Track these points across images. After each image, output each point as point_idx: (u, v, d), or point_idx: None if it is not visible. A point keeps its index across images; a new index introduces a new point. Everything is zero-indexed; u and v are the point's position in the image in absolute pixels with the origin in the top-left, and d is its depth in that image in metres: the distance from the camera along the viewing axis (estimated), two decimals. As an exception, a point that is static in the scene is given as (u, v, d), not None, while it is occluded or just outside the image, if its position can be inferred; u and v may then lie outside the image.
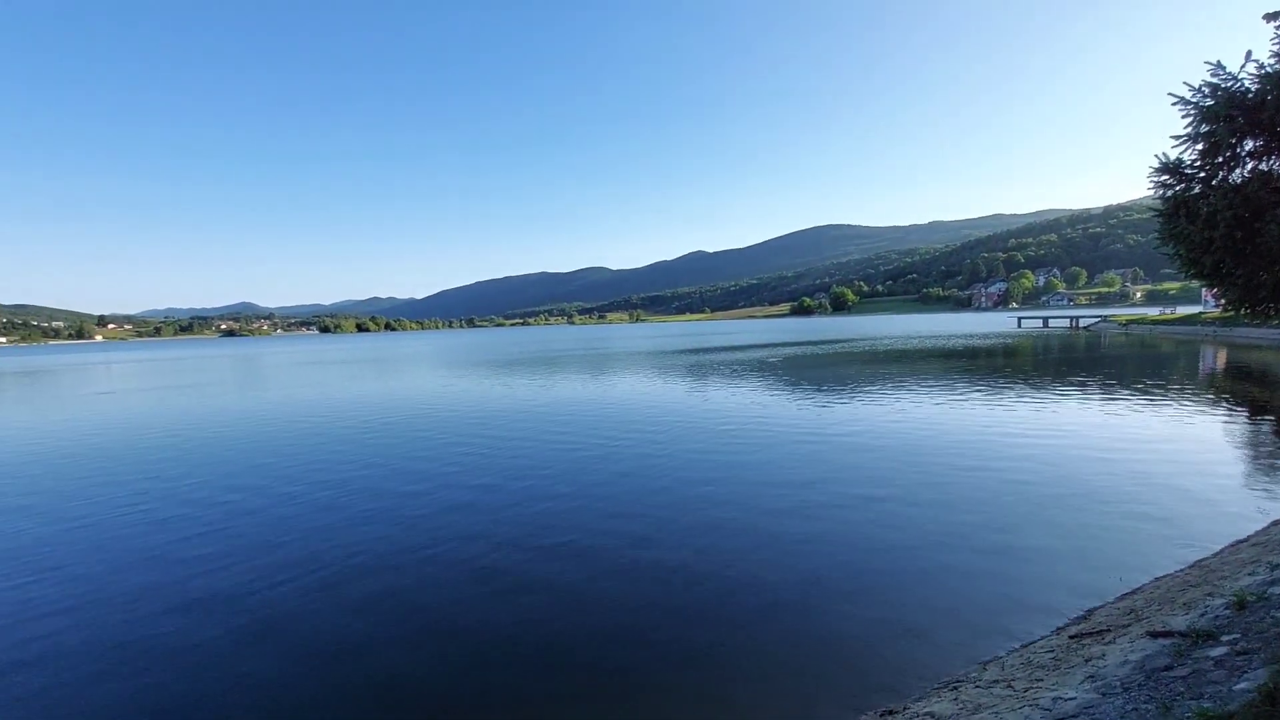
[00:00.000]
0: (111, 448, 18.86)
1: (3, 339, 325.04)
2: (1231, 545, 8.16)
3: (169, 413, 27.30)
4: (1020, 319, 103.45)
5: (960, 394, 23.69)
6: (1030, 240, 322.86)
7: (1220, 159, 4.69)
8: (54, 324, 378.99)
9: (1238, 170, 4.80)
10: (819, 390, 26.92)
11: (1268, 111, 4.36)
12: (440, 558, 9.07)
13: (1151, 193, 5.68)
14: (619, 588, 7.87)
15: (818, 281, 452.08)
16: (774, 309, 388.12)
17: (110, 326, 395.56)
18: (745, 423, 19.08)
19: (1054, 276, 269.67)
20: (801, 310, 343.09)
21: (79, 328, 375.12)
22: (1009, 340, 61.25)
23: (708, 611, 7.17)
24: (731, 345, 69.52)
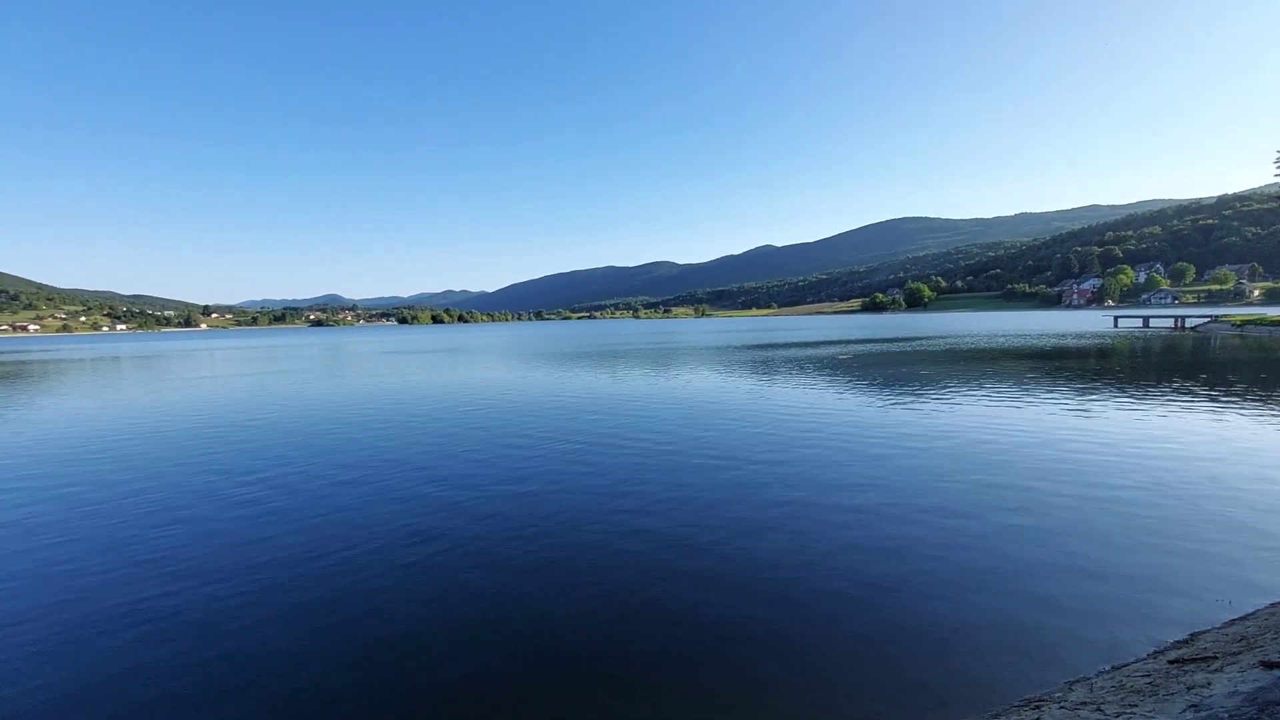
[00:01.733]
0: (213, 428, 20.42)
1: (123, 325, 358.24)
2: (1364, 572, 7.36)
3: (265, 397, 29.25)
4: (1117, 318, 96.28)
5: (1049, 399, 22.33)
6: (1130, 233, 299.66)
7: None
8: (166, 313, 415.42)
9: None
10: (894, 390, 25.99)
11: None
12: (493, 547, 9.35)
13: (1277, 178, 5.12)
14: (677, 587, 7.89)
15: (891, 277, 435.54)
16: (843, 305, 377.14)
17: (214, 316, 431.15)
18: (814, 422, 18.67)
19: (1156, 272, 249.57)
20: (873, 306, 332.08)
21: (187, 316, 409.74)
22: (1104, 341, 57.07)
23: (770, 611, 7.08)
24: (800, 342, 68.07)
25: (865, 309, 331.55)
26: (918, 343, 60.50)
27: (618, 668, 6.09)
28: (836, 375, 32.20)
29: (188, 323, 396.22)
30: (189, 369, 50.36)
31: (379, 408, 24.19)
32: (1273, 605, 6.70)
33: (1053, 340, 59.04)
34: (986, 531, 9.33)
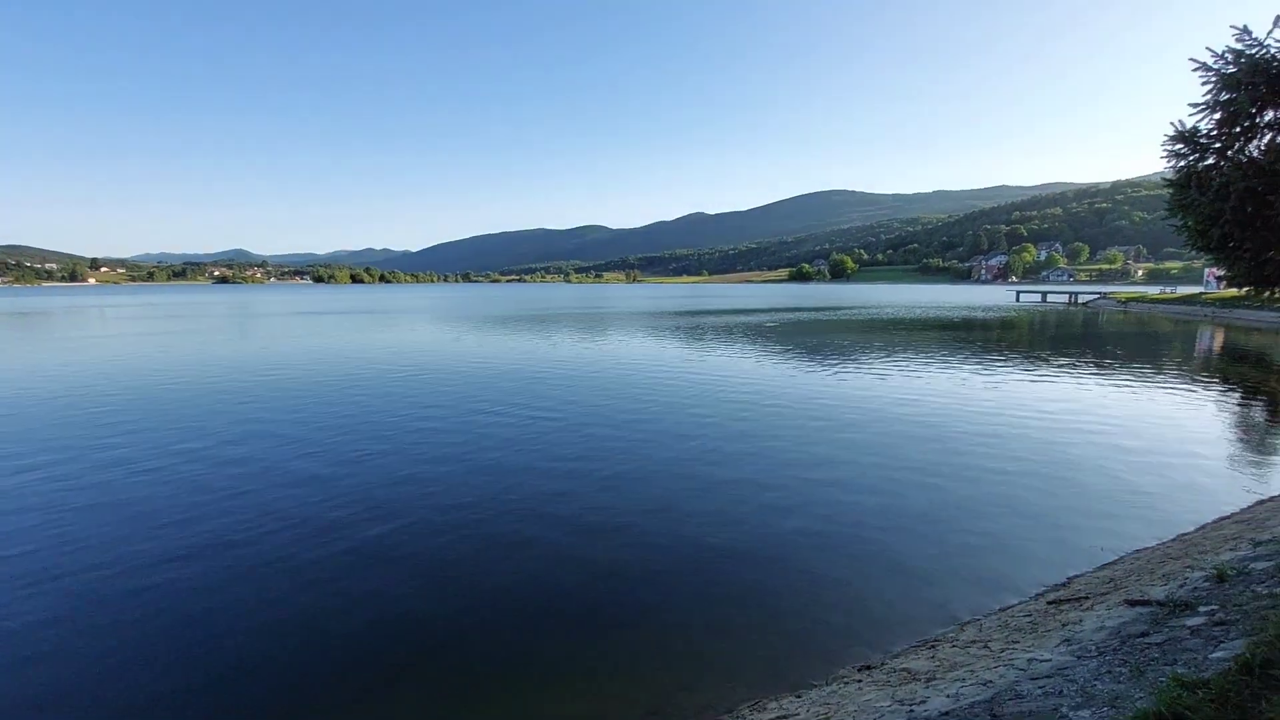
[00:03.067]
0: (108, 393, 18.80)
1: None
2: (1215, 521, 8.29)
3: (165, 360, 27.17)
4: (1019, 293, 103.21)
5: (954, 366, 23.76)
6: (1034, 214, 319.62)
7: (1238, 129, 4.57)
8: (47, 265, 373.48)
9: (1255, 141, 4.70)
10: (814, 357, 26.96)
11: (1293, 80, 4.23)
12: (423, 513, 9.15)
13: (1164, 165, 5.54)
14: (604, 547, 7.97)
15: (817, 248, 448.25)
16: (772, 274, 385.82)
17: (103, 270, 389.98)
18: (738, 388, 19.13)
19: (1056, 251, 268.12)
20: (800, 276, 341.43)
21: (72, 270, 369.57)
22: (1006, 314, 61.19)
23: (693, 570, 7.28)
24: (729, 309, 69.31)
25: (792, 278, 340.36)
26: (841, 312, 62.87)
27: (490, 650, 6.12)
28: (764, 343, 33.05)
29: (73, 277, 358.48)
30: (77, 327, 46.01)
31: (293, 373, 22.93)
32: (1138, 551, 7.46)
33: (962, 312, 62.78)
34: (893, 490, 9.89)
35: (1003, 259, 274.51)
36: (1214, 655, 3.56)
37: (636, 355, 27.22)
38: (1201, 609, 4.36)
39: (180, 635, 5.99)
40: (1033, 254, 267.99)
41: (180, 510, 9.06)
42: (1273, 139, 4.60)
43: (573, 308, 73.73)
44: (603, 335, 37.40)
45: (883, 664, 5.26)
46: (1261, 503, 8.87)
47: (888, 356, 26.53)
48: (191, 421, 14.50)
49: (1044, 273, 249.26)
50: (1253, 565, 5.09)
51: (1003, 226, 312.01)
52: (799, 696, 4.92)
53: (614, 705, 5.06)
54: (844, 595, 6.64)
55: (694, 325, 44.86)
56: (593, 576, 7.10)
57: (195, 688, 5.27)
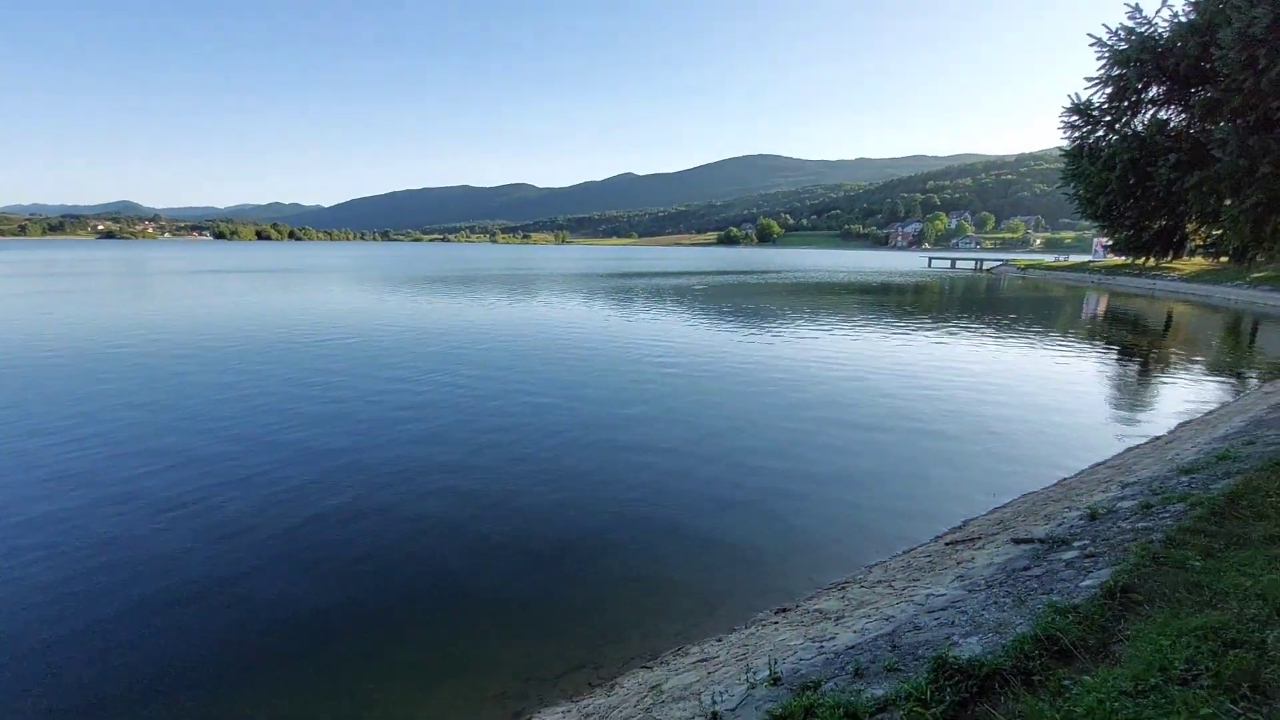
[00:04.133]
0: (-32, 354, 16.93)
1: None
2: (1091, 467, 9.17)
3: (46, 325, 24.68)
4: (931, 259, 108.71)
5: (872, 330, 24.90)
6: (947, 183, 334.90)
7: (1126, 103, 4.92)
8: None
9: (1140, 115, 5.07)
10: (741, 321, 27.56)
11: (1173, 59, 4.57)
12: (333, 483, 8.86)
13: (1061, 137, 5.89)
14: (531, 514, 8.00)
15: (745, 212, 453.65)
16: (701, 237, 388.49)
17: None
18: (665, 352, 19.35)
19: (965, 220, 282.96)
20: (729, 240, 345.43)
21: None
22: (919, 279, 64.43)
23: (620, 530, 7.43)
24: (659, 271, 69.49)
25: (721, 242, 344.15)
26: (769, 276, 64.34)
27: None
28: (693, 307, 33.44)
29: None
30: (-73, 283, 40.93)
31: (185, 338, 21.35)
32: (1026, 495, 8.17)
33: (881, 278, 65.61)
34: (811, 447, 10.38)
35: (918, 226, 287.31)
36: (1084, 584, 3.98)
37: (566, 319, 26.98)
38: (1075, 544, 4.84)
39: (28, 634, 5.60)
40: (944, 222, 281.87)
41: (42, 498, 8.36)
42: (1155, 113, 5.00)
43: (501, 269, 71.88)
44: (532, 298, 36.77)
45: (798, 606, 5.57)
46: (1130, 450, 9.87)
47: (812, 320, 27.47)
48: (69, 396, 13.30)
49: (954, 240, 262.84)
50: (1120, 504, 5.68)
51: (918, 195, 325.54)
52: (720, 640, 5.16)
53: (544, 661, 5.14)
54: (763, 546, 6.96)
55: (624, 288, 44.77)
56: (521, 541, 7.12)
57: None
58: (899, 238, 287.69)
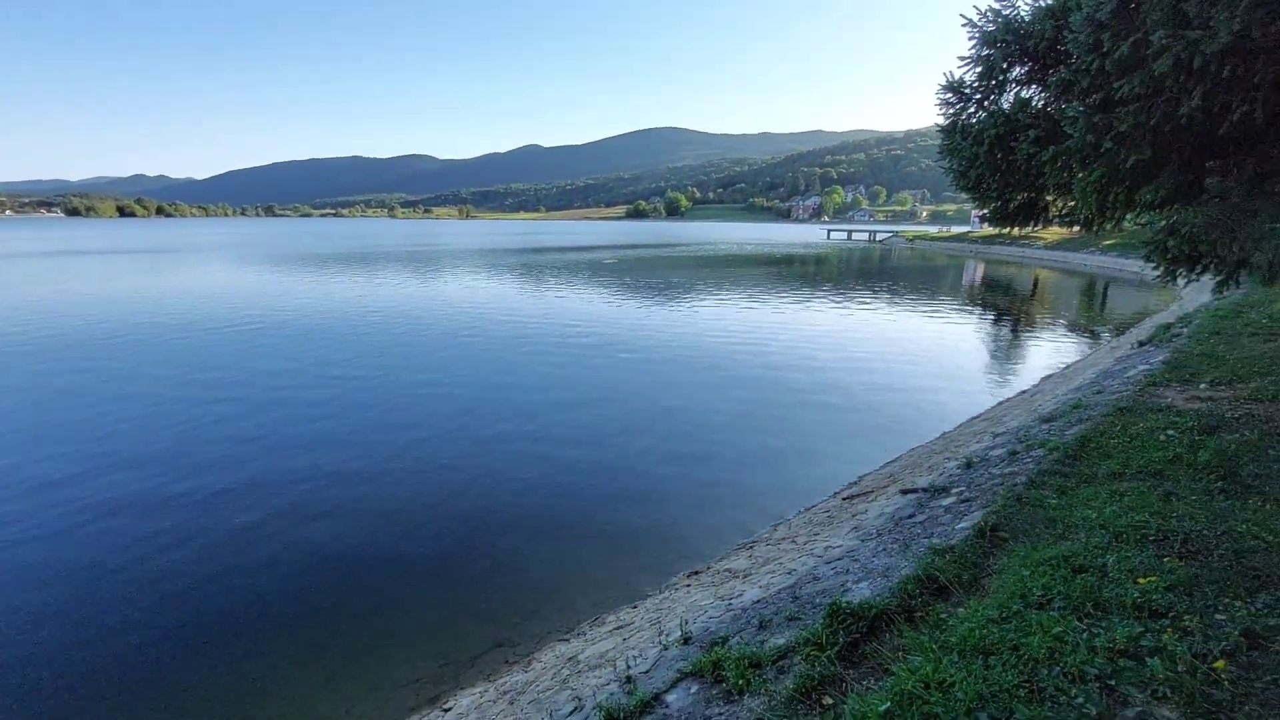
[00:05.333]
0: None
1: None
2: (969, 420, 10.02)
3: None
4: (829, 231, 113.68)
5: (773, 301, 25.87)
6: (843, 158, 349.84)
7: (993, 82, 5.32)
8: None
9: (1006, 94, 5.50)
10: (650, 294, 27.81)
11: (1033, 41, 4.97)
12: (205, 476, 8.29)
13: (937, 113, 6.26)
14: (443, 498, 7.82)
15: (654, 185, 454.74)
16: (610, 211, 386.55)
17: None
18: (574, 326, 19.26)
19: (860, 193, 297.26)
20: (638, 214, 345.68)
21: None
22: (819, 250, 67.39)
23: (532, 509, 7.41)
24: (570, 246, 68.69)
25: (630, 216, 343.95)
26: (679, 249, 65.14)
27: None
28: (603, 280, 33.36)
29: None
30: None
31: (41, 327, 19.02)
32: (913, 449, 8.83)
33: (785, 249, 68.08)
34: (718, 414, 10.73)
35: (817, 200, 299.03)
36: (959, 526, 4.36)
37: (473, 298, 26.22)
38: (953, 491, 5.30)
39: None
40: (841, 196, 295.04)
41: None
42: (1018, 92, 5.44)
43: (403, 246, 68.49)
44: (438, 277, 35.41)
45: (709, 568, 5.79)
46: (1002, 403, 10.87)
47: (721, 293, 28.15)
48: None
49: (850, 213, 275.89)
50: (991, 453, 6.26)
51: (817, 169, 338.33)
52: (635, 607, 5.28)
53: (460, 645, 5.08)
54: (676, 515, 7.17)
55: (534, 264, 43.98)
56: (431, 529, 6.95)
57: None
58: (800, 211, 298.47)
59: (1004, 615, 3.00)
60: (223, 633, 5.18)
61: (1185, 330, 10.91)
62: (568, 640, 4.95)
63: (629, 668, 3.67)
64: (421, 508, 7.27)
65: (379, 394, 11.63)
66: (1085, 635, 2.78)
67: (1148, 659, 2.60)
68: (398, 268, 39.64)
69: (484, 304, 23.33)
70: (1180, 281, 6.02)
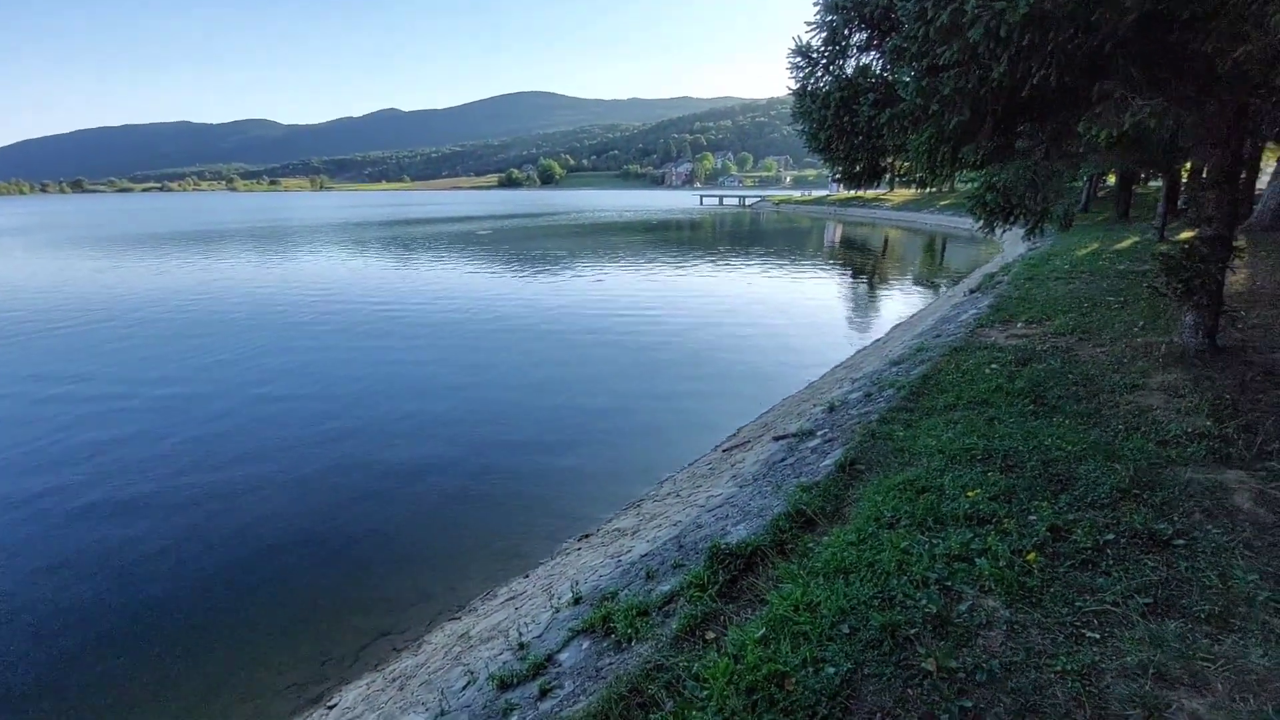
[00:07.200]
0: None
1: None
2: (831, 369, 10.82)
3: None
4: (702, 196, 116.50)
5: (651, 266, 26.31)
6: (711, 125, 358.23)
7: (837, 47, 5.65)
8: None
9: (848, 60, 5.86)
10: (527, 264, 27.29)
11: (869, 8, 5.32)
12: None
13: (788, 77, 6.52)
14: (321, 484, 7.34)
15: (525, 153, 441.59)
16: (481, 180, 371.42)
17: None
18: (447, 303, 18.56)
19: (729, 159, 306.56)
20: (511, 183, 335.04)
21: None
22: (694, 216, 69.00)
23: (411, 490, 7.16)
24: (440, 218, 65.38)
25: (503, 185, 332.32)
26: (556, 218, 63.99)
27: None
28: (478, 253, 32.20)
29: None
30: None
31: None
32: (785, 399, 9.42)
33: (661, 215, 68.98)
34: (598, 377, 10.84)
35: (689, 166, 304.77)
36: (824, 464, 4.74)
37: (336, 275, 24.38)
38: (819, 433, 5.73)
39: None
40: (711, 162, 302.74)
41: None
42: (859, 58, 5.82)
43: (249, 222, 61.81)
44: (294, 254, 32.45)
45: (600, 530, 5.89)
46: (860, 351, 11.84)
47: (599, 261, 28.14)
48: None
49: (720, 179, 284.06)
50: (850, 396, 6.82)
51: (688, 136, 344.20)
52: (527, 576, 5.28)
53: (343, 641, 4.85)
54: (564, 482, 7.21)
55: (401, 237, 41.48)
56: (303, 524, 6.51)
57: None
58: (673, 177, 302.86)
59: (861, 538, 3.32)
60: (74, 656, 4.60)
61: (1006, 278, 12.38)
62: (459, 618, 4.87)
63: (521, 635, 3.68)
64: (290, 499, 6.78)
65: (238, 377, 10.58)
66: (927, 546, 3.14)
67: (976, 560, 2.99)
68: (245, 247, 35.83)
69: (348, 282, 21.75)
70: (998, 232, 6.80)
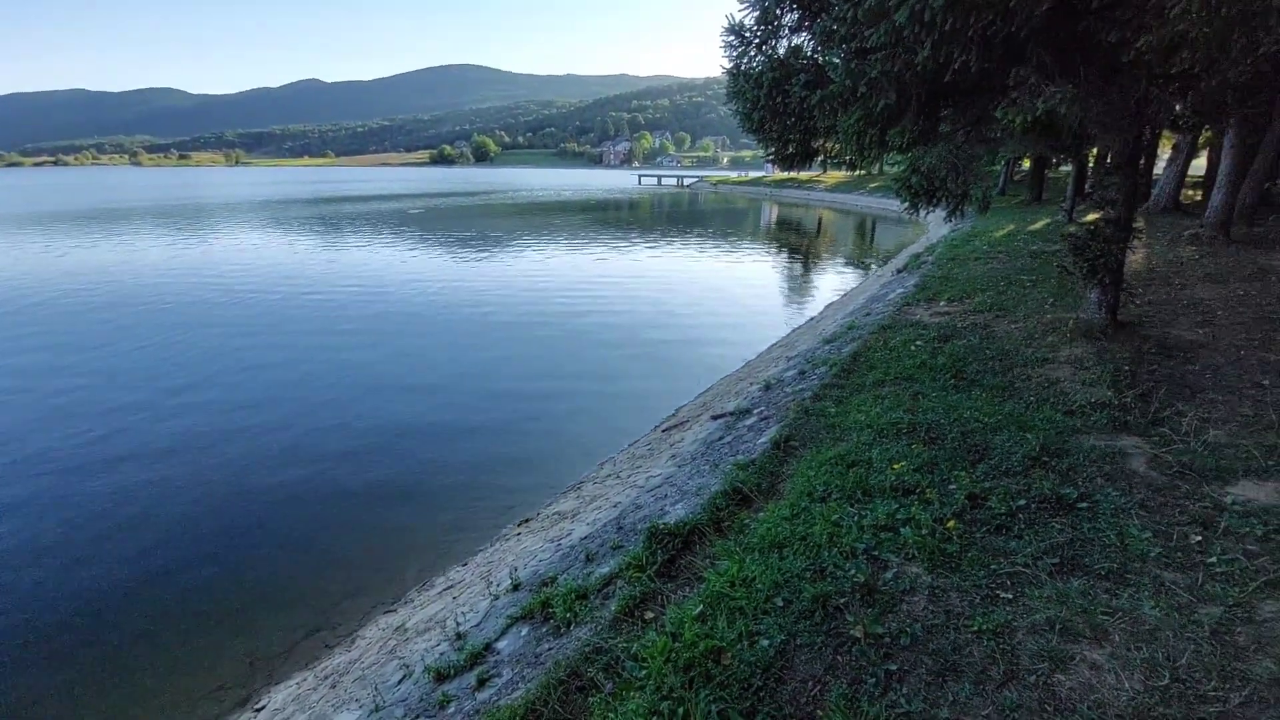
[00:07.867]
0: None
1: None
2: (768, 348, 11.04)
3: None
4: (640, 176, 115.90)
5: (590, 247, 26.08)
6: (649, 104, 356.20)
7: (769, 27, 5.67)
8: None
9: (781, 40, 5.90)
10: (465, 246, 26.57)
11: (800, -11, 5.36)
12: None
13: (722, 56, 6.50)
14: (241, 479, 6.97)
15: (458, 128, 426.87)
16: (412, 156, 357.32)
17: None
18: (377, 286, 17.91)
19: (666, 139, 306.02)
20: (443, 159, 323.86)
21: None
22: (633, 196, 68.70)
23: (341, 481, 6.91)
24: (369, 195, 62.57)
25: (435, 161, 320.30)
26: (492, 196, 62.30)
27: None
28: (409, 234, 31.07)
29: None
30: None
31: None
32: (723, 378, 9.55)
33: (600, 195, 68.32)
34: (536, 360, 10.72)
35: (627, 145, 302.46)
36: (759, 442, 4.83)
37: (258, 257, 23.01)
38: (755, 411, 5.84)
39: None
40: (649, 141, 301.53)
41: None
42: (790, 38, 5.87)
43: (157, 200, 57.36)
44: (210, 234, 30.40)
45: (539, 514, 5.84)
46: (795, 330, 12.13)
47: (538, 242, 27.66)
48: None
49: (658, 158, 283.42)
50: (785, 374, 6.98)
51: (625, 115, 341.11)
52: (465, 564, 5.19)
53: (272, 640, 4.65)
54: (502, 468, 7.11)
55: (327, 216, 39.52)
56: (231, 514, 6.17)
57: None
58: (611, 156, 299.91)
59: (794, 513, 3.40)
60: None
61: (930, 258, 12.90)
62: (395, 611, 4.75)
63: (459, 625, 3.61)
64: (211, 497, 6.41)
65: (146, 369, 9.86)
66: (856, 518, 3.26)
67: (901, 529, 3.12)
68: (153, 227, 33.27)
69: (269, 265, 20.57)
70: (923, 214, 7.04)
